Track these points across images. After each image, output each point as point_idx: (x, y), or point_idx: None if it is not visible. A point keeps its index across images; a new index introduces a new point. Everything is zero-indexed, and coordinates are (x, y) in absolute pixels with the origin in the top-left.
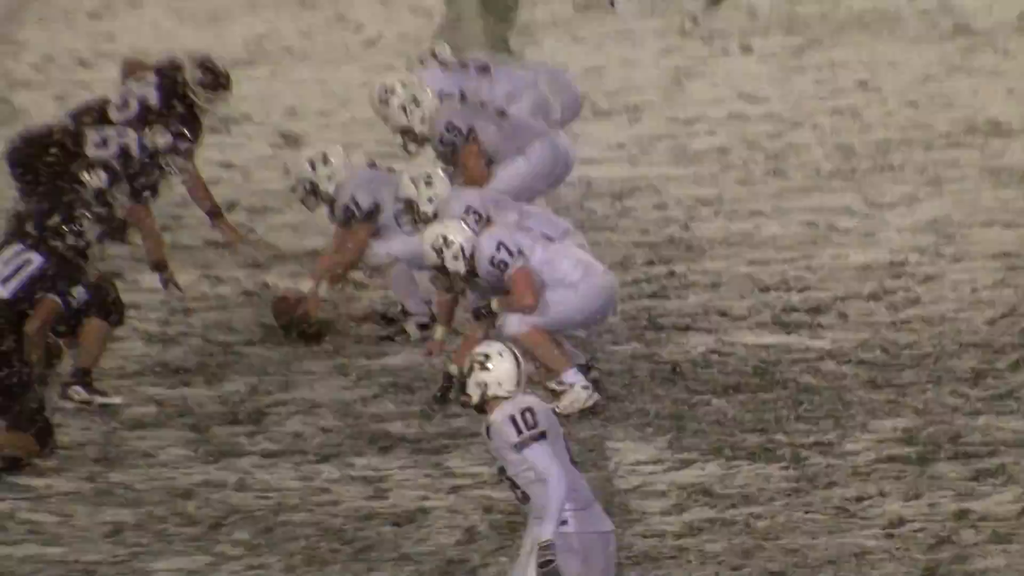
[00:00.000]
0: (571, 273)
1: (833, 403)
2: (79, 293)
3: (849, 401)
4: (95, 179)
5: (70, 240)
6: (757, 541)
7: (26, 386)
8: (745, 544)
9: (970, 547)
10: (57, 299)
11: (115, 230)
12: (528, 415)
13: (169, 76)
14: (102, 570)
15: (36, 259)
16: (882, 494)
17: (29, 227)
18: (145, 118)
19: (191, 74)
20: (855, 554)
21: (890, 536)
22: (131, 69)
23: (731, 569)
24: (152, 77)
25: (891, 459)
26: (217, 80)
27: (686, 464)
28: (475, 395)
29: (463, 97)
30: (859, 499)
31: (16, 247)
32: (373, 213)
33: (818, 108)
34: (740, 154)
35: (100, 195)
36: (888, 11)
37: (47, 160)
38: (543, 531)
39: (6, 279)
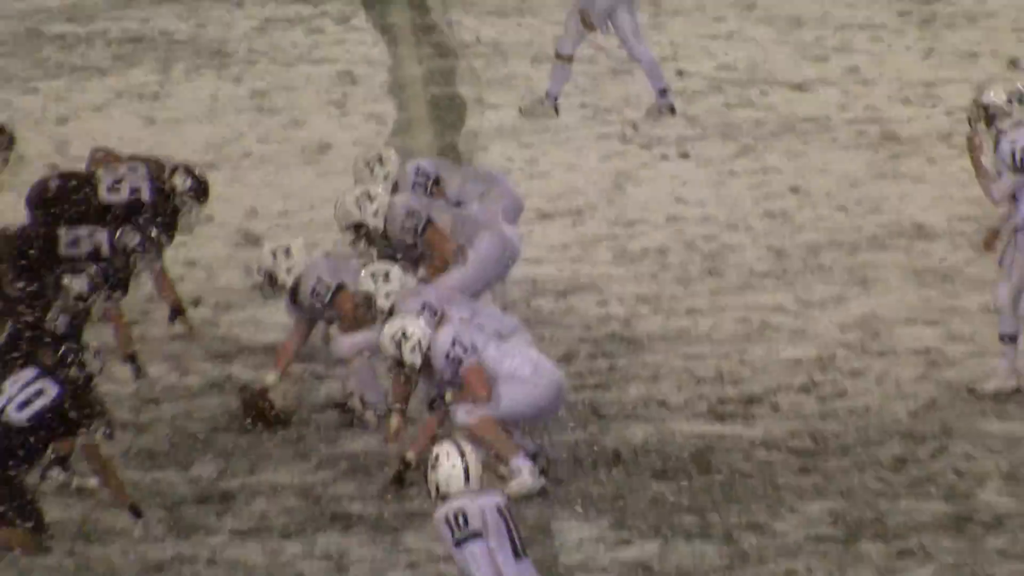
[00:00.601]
0: (521, 368)
1: (764, 487)
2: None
3: (779, 485)
4: (77, 283)
5: (77, 372)
6: None
7: (22, 491)
8: None
9: None
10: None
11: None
12: (460, 517)
13: (158, 175)
14: None
15: (52, 390)
16: (809, 571)
17: (44, 354)
18: (133, 208)
19: (180, 179)
20: None
21: None
22: (102, 157)
23: None
24: (143, 170)
25: (818, 539)
26: (202, 189)
27: (626, 543)
28: (432, 494)
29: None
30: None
31: (32, 371)
32: (338, 290)
33: (752, 211)
34: (678, 254)
35: (80, 298)
36: (819, 119)
37: (25, 259)
38: None
39: (21, 405)
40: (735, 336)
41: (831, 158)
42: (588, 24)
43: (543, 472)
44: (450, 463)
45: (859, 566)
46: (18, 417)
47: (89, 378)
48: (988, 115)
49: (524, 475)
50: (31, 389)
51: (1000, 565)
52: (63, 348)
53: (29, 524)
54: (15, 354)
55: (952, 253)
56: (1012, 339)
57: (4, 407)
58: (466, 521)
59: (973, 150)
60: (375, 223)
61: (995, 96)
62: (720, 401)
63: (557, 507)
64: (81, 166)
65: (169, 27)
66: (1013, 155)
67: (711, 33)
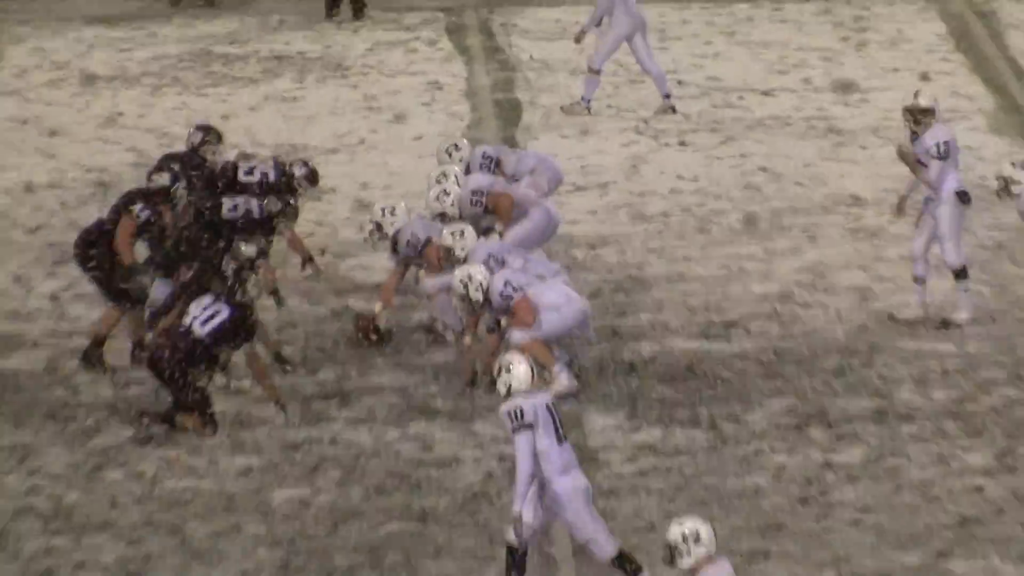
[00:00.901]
0: (556, 300)
1: (739, 388)
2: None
3: (750, 387)
4: (248, 249)
5: (243, 297)
6: (685, 481)
7: (200, 389)
8: (678, 483)
9: (830, 485)
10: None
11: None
12: (518, 411)
13: (282, 165)
14: (238, 497)
15: (225, 311)
16: (772, 450)
17: (216, 283)
18: (263, 187)
19: (298, 168)
20: (752, 490)
21: (777, 479)
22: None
23: (668, 500)
24: (271, 161)
25: (778, 426)
26: (313, 176)
27: (637, 430)
28: (503, 390)
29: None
30: (756, 453)
31: (210, 297)
32: (427, 243)
33: (732, 185)
34: (677, 217)
35: (251, 261)
36: (781, 117)
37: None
38: (513, 507)
39: (203, 322)
40: (719, 277)
41: (790, 146)
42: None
43: (576, 376)
44: (522, 368)
45: (808, 446)
46: (201, 331)
47: (251, 302)
48: (915, 117)
49: (563, 379)
50: (210, 310)
51: (911, 446)
52: (231, 280)
53: (205, 412)
54: (196, 287)
55: (879, 216)
56: (922, 280)
57: (191, 324)
58: (522, 415)
59: (906, 156)
60: (452, 211)
61: (922, 101)
62: (708, 325)
63: (586, 403)
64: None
65: (304, 48)
66: (937, 147)
67: (702, 53)
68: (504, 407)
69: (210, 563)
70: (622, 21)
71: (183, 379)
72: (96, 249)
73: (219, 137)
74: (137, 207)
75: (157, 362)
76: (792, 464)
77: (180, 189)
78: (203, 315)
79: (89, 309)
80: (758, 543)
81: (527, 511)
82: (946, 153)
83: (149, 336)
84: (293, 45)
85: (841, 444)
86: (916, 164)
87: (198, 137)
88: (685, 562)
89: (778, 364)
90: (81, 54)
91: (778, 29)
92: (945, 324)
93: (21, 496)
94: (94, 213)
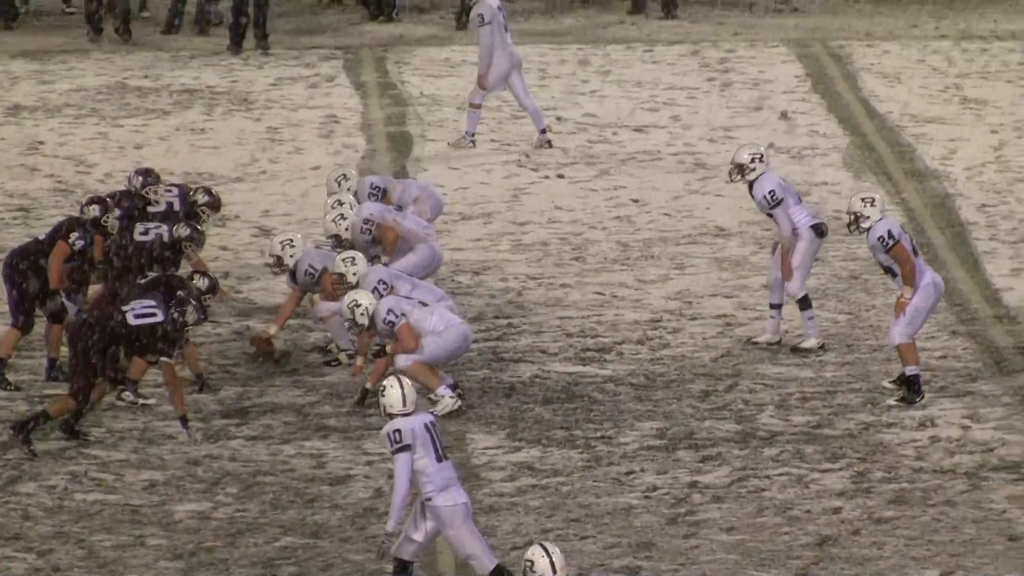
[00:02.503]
0: (438, 326)
1: (612, 411)
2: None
3: (622, 409)
4: (200, 283)
5: (181, 316)
6: (562, 499)
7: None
8: (555, 502)
9: (697, 505)
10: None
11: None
12: (396, 433)
13: (186, 192)
14: (143, 510)
15: (160, 316)
16: (642, 470)
17: (159, 295)
18: (169, 215)
19: (201, 196)
20: (624, 508)
21: (648, 498)
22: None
23: (545, 518)
24: (175, 190)
25: (648, 448)
26: (216, 203)
27: (517, 449)
28: (382, 412)
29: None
30: (628, 473)
31: (153, 300)
32: (323, 272)
33: (607, 216)
34: (555, 246)
35: (200, 293)
36: (652, 152)
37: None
38: (387, 525)
39: (138, 315)
40: (594, 303)
41: (660, 179)
42: (483, 85)
43: (460, 397)
44: (393, 391)
45: (677, 467)
46: (132, 320)
47: (184, 323)
48: (740, 170)
49: (446, 400)
50: (149, 310)
51: (772, 468)
52: (178, 298)
53: (81, 399)
54: (152, 290)
55: (742, 247)
56: (777, 307)
57: (126, 312)
58: (400, 437)
59: (784, 243)
60: (346, 235)
61: (743, 156)
62: (583, 349)
63: (470, 423)
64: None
65: (213, 82)
66: (765, 199)
67: (580, 91)
68: (384, 429)
69: (115, 574)
70: (501, 60)
71: (93, 356)
72: (26, 263)
73: (158, 179)
74: (75, 235)
75: (80, 328)
76: (662, 484)
77: (111, 219)
78: (141, 310)
79: None
80: (630, 560)
81: (408, 526)
82: (776, 200)
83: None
84: (203, 79)
85: (707, 465)
86: (784, 247)
87: (139, 180)
88: None
89: (649, 388)
90: (7, 87)
91: (649, 70)
92: (796, 350)
93: None
94: (17, 236)
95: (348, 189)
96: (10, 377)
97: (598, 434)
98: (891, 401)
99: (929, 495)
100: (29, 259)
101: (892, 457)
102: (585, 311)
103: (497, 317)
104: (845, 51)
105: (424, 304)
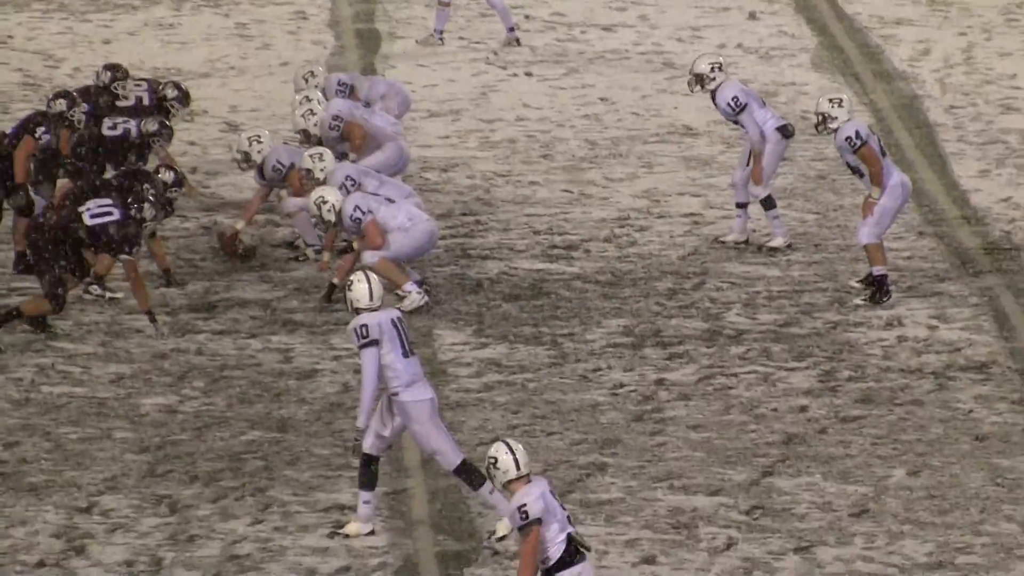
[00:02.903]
0: (404, 223)
1: (579, 308)
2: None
3: (589, 307)
4: (165, 176)
5: (138, 212)
6: (528, 396)
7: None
8: (521, 398)
9: (664, 403)
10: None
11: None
12: (363, 328)
13: (155, 87)
14: (110, 403)
15: (117, 214)
16: (609, 367)
17: (115, 193)
18: (138, 109)
19: (170, 90)
20: (591, 405)
21: (614, 395)
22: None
23: (511, 413)
24: (144, 85)
25: (615, 345)
26: (186, 98)
27: (484, 346)
28: (349, 308)
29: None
30: (595, 370)
31: (108, 199)
32: (291, 168)
33: (575, 115)
34: (523, 144)
35: (165, 187)
36: (620, 51)
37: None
38: (357, 421)
39: (94, 215)
40: (561, 201)
41: (628, 78)
42: None
43: (427, 293)
44: (360, 286)
45: (643, 365)
46: (88, 221)
47: (142, 220)
48: (700, 80)
49: (413, 296)
50: (105, 209)
51: (740, 367)
52: (133, 195)
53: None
54: (109, 189)
55: (710, 147)
56: (743, 206)
57: (83, 212)
58: (367, 332)
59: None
60: (314, 131)
61: (702, 67)
62: (550, 247)
63: (437, 319)
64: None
65: None
66: (729, 105)
67: None
68: (351, 324)
69: (81, 467)
70: None
71: (52, 255)
72: None
73: (126, 74)
74: (40, 130)
75: (38, 228)
76: (628, 381)
77: (78, 114)
78: (97, 210)
79: None
80: (596, 457)
81: (375, 422)
82: (740, 105)
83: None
84: None
85: (674, 363)
86: (756, 151)
87: (107, 76)
88: (496, 483)
89: (616, 285)
90: None
91: None
92: (763, 249)
93: None
94: None
95: (316, 86)
96: None
97: (565, 331)
98: (858, 300)
99: (896, 394)
100: None
101: (859, 356)
102: (553, 208)
103: (464, 214)
104: None
105: (391, 201)
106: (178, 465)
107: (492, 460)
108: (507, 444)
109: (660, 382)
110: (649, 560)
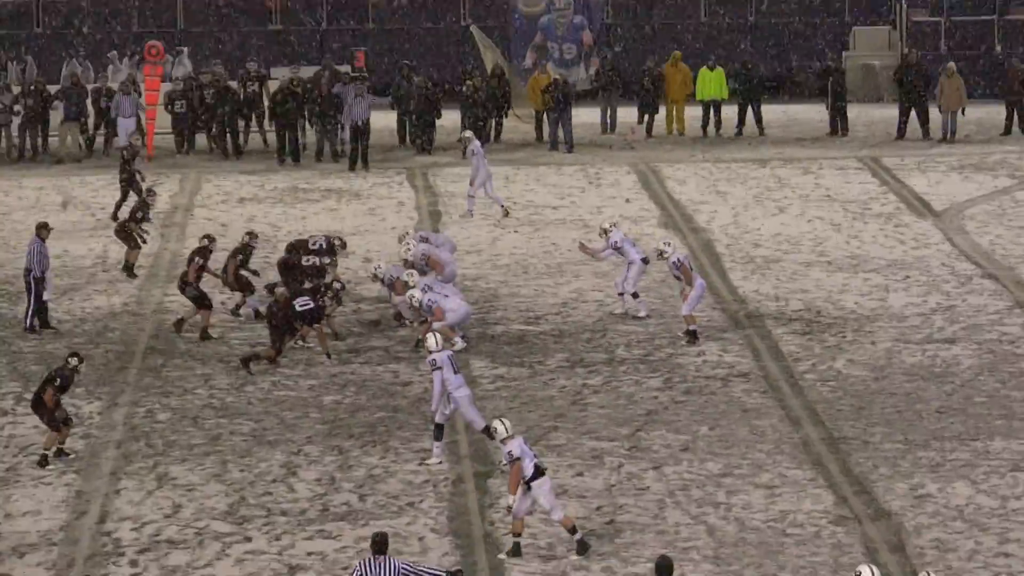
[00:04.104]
0: (454, 307)
1: (536, 350)
2: None
3: (545, 350)
4: (336, 285)
5: (323, 304)
6: (514, 393)
7: (283, 340)
8: (511, 394)
9: (587, 396)
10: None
11: None
12: (432, 362)
13: (330, 239)
14: (307, 398)
15: (311, 305)
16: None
17: (309, 295)
18: (321, 251)
19: (336, 240)
20: (547, 398)
21: (562, 390)
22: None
23: (508, 404)
24: (323, 237)
25: (562, 367)
26: (343, 244)
27: (495, 367)
28: (426, 351)
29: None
30: (551, 379)
31: (307, 297)
32: (396, 279)
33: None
34: (521, 264)
35: (336, 292)
36: (562, 219)
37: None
38: (430, 408)
39: (300, 306)
40: (560, 303)
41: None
42: (472, 183)
43: (465, 341)
44: (431, 340)
45: (578, 377)
46: (298, 308)
47: (324, 307)
48: (605, 233)
49: (458, 343)
50: (305, 302)
51: (623, 375)
52: (321, 293)
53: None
54: (306, 293)
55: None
56: (621, 295)
57: (295, 304)
58: (435, 363)
59: (585, 250)
60: (409, 259)
61: (604, 225)
62: (533, 317)
63: (470, 354)
64: None
65: (339, 185)
66: (612, 247)
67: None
68: (427, 359)
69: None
70: (480, 171)
71: (280, 327)
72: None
73: (327, 237)
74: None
75: (272, 316)
76: (568, 384)
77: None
78: (302, 303)
79: None
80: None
81: (441, 407)
82: (619, 246)
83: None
84: (335, 183)
85: (591, 378)
86: (596, 253)
87: (314, 238)
88: (496, 439)
89: (566, 336)
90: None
91: (559, 176)
92: (636, 317)
93: None
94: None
95: (409, 236)
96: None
97: (532, 360)
98: (683, 342)
99: (703, 388)
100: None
101: (684, 369)
102: (524, 300)
103: (485, 301)
104: (658, 168)
105: (447, 296)
106: (345, 428)
107: (493, 428)
108: (501, 420)
109: (585, 385)
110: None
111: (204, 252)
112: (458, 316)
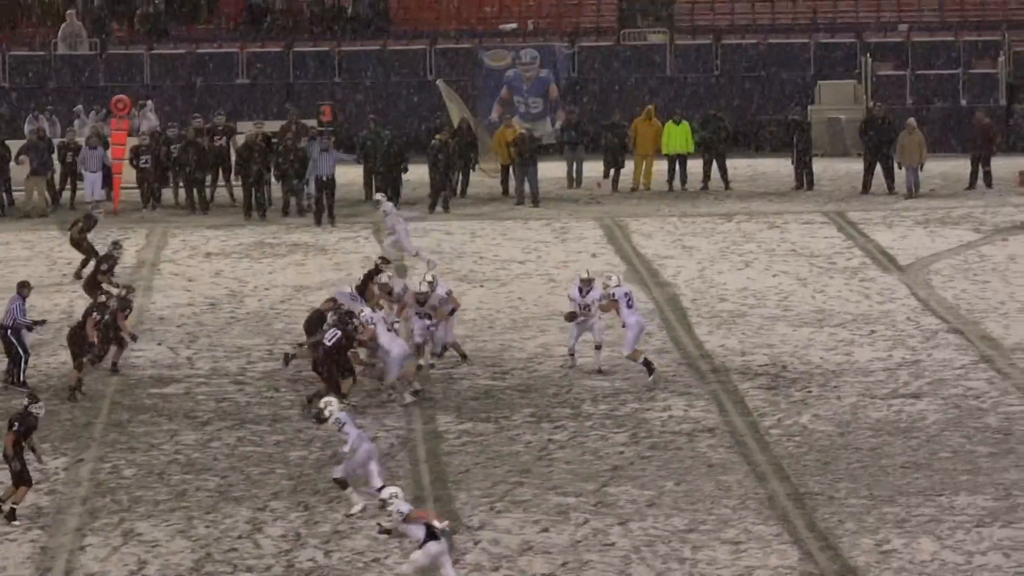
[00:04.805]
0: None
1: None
2: None
3: (511, 404)
4: (363, 317)
5: (352, 334)
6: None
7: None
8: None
9: (554, 448)
10: None
11: None
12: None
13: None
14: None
15: (338, 335)
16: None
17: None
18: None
19: (382, 277)
20: (512, 453)
21: (528, 444)
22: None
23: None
24: (349, 289)
25: (529, 419)
26: (383, 289)
27: (464, 422)
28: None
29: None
30: (516, 433)
31: (334, 330)
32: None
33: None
34: (489, 309)
35: (355, 329)
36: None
37: None
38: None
39: (329, 339)
40: (531, 357)
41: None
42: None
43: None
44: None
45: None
46: (327, 341)
47: (354, 338)
48: (587, 285)
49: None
50: (335, 338)
51: (590, 430)
52: (343, 323)
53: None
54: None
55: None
56: (572, 352)
57: (323, 340)
58: (339, 422)
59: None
60: (429, 292)
61: (582, 275)
62: (499, 371)
63: (437, 410)
64: None
65: (307, 240)
66: (596, 301)
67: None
68: (331, 421)
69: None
70: (397, 228)
71: (331, 368)
72: None
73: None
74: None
75: (316, 361)
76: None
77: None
78: (329, 336)
79: None
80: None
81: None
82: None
83: None
84: (302, 238)
85: (556, 431)
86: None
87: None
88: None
89: (532, 391)
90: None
91: (525, 231)
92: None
93: None
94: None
95: (432, 273)
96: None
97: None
98: (648, 380)
99: (668, 444)
100: None
101: (648, 424)
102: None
103: (450, 356)
104: (624, 223)
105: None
106: (311, 484)
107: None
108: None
109: (551, 441)
110: None
111: (103, 307)
112: (395, 355)
